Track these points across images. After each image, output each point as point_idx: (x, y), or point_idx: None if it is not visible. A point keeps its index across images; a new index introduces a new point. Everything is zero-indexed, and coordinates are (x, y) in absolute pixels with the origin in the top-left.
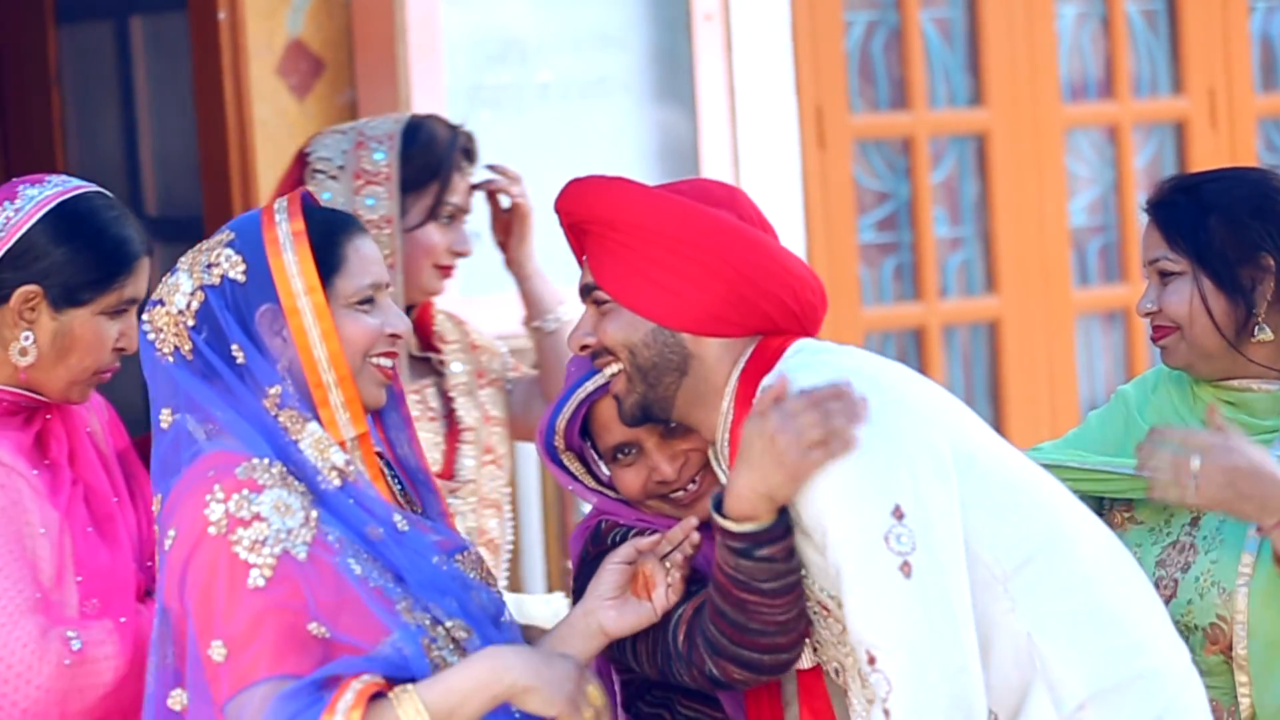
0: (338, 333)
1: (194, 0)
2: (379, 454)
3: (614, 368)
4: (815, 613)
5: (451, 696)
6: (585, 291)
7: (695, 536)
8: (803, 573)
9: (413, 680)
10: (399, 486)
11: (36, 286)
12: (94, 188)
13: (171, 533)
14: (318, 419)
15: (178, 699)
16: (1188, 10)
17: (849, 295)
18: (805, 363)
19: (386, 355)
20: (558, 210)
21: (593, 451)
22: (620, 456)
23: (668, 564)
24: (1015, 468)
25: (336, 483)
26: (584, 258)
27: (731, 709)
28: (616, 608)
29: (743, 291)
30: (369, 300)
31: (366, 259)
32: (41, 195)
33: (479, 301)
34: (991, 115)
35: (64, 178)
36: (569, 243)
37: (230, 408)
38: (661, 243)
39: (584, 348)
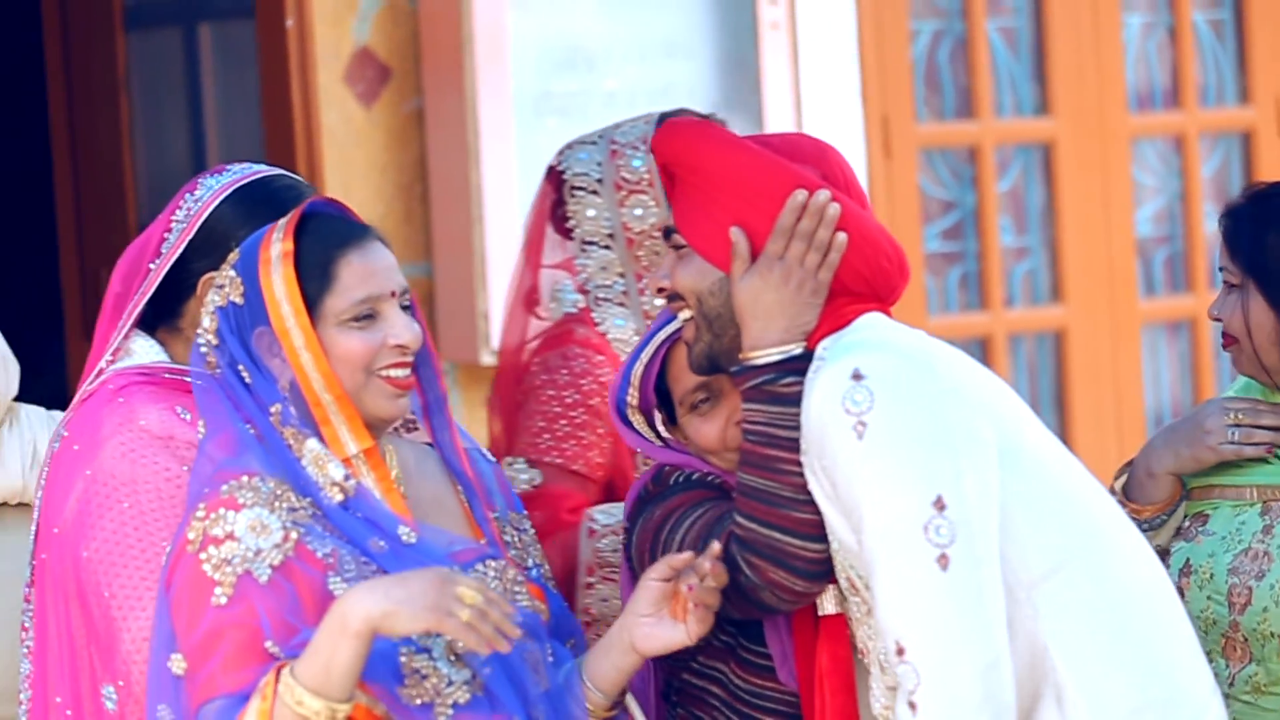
0: (326, 355)
1: (262, 7)
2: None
3: (686, 313)
4: (845, 589)
5: (318, 657)
6: (667, 234)
7: (715, 566)
8: (835, 545)
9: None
10: (463, 487)
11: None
12: (274, 170)
13: (169, 549)
14: (319, 435)
15: (165, 713)
16: (1255, 20)
17: (914, 304)
18: (864, 340)
19: (397, 366)
20: (653, 150)
21: (661, 414)
22: (698, 405)
23: (698, 589)
24: (1061, 473)
25: (338, 497)
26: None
27: (785, 674)
28: (650, 625)
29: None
30: (367, 315)
31: (363, 271)
32: (220, 183)
33: None
34: (1058, 124)
35: (245, 165)
36: (663, 183)
37: (245, 424)
38: (734, 191)
39: (660, 290)
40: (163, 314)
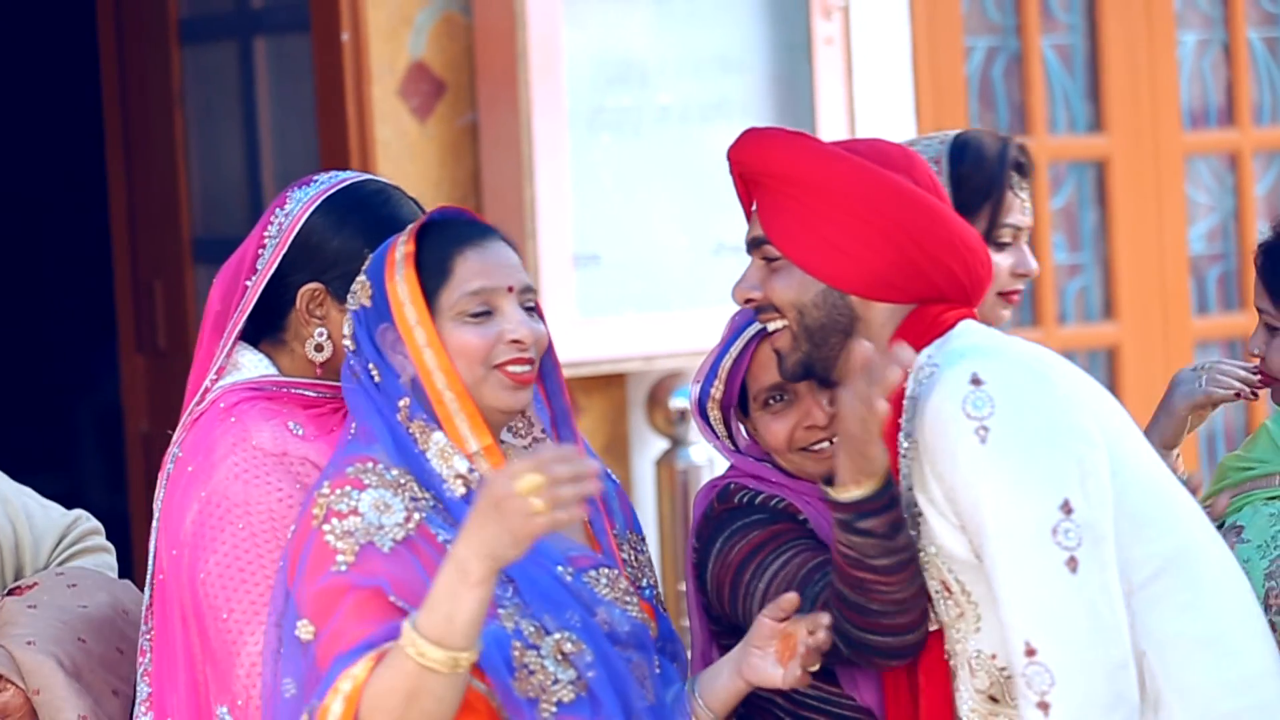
0: (446, 350)
1: (317, 21)
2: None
3: (778, 323)
4: (937, 591)
5: (439, 609)
6: (754, 244)
7: (817, 630)
8: (931, 550)
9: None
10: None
11: (318, 283)
12: (362, 176)
13: (293, 526)
14: (443, 431)
15: (290, 686)
16: None
17: None
18: (975, 346)
19: (515, 362)
20: (731, 159)
21: (739, 413)
22: (772, 402)
23: (802, 653)
24: (1160, 481)
25: (461, 490)
26: (753, 209)
27: (845, 682)
28: (758, 657)
29: (914, 257)
30: (483, 310)
31: (478, 267)
32: (309, 195)
33: (598, 323)
34: (1111, 142)
35: (332, 174)
36: (738, 193)
37: (375, 420)
38: (838, 202)
39: (748, 301)
40: (264, 328)
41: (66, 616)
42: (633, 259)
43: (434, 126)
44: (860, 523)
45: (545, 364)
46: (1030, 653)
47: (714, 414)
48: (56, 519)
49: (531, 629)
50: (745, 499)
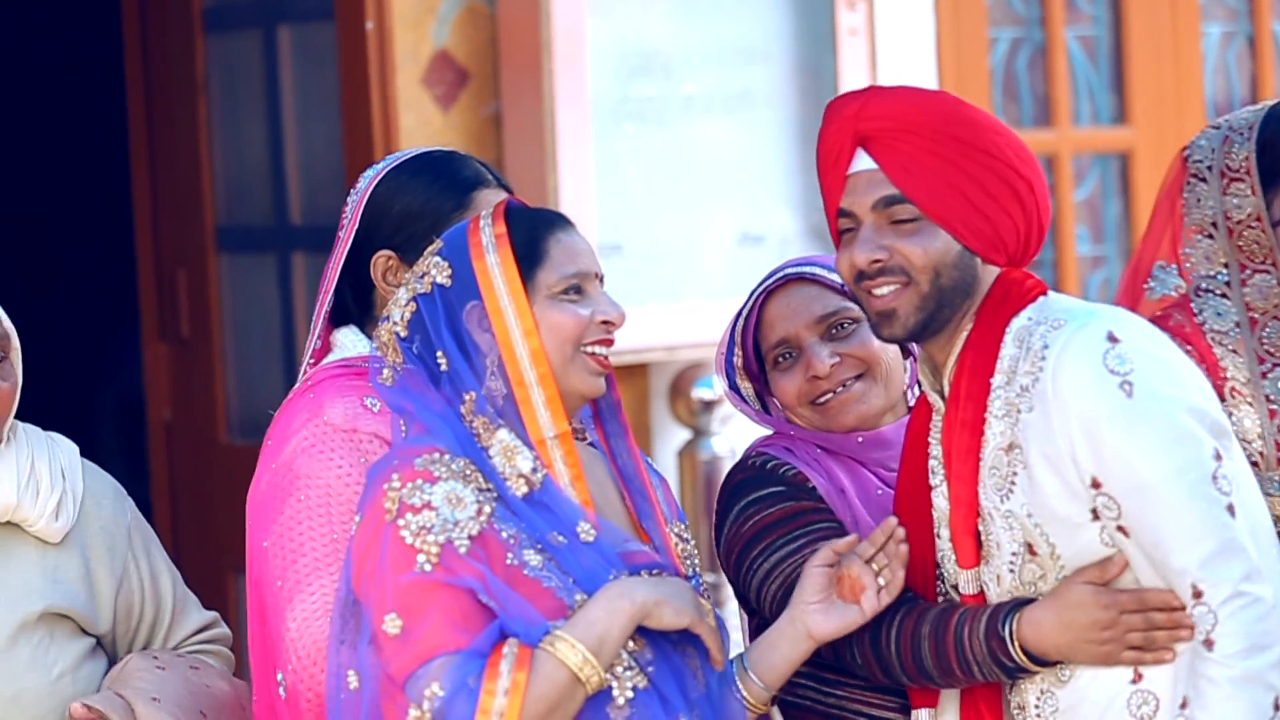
0: (539, 330)
1: (341, 10)
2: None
3: (889, 287)
4: (1015, 554)
5: (596, 628)
6: (887, 203)
7: (900, 533)
8: (1022, 509)
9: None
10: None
11: (389, 250)
12: (426, 148)
13: (357, 518)
14: (518, 417)
15: (353, 678)
16: None
17: None
18: (1094, 308)
19: (601, 343)
20: (849, 116)
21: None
22: (781, 360)
23: (876, 565)
24: (1237, 452)
25: (523, 490)
26: (849, 172)
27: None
28: (823, 611)
29: (1035, 222)
30: (576, 290)
31: (571, 250)
32: (374, 171)
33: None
34: (1135, 134)
35: (403, 151)
36: (836, 157)
37: (432, 413)
38: (986, 162)
39: (875, 261)
40: (362, 309)
41: (192, 687)
42: (656, 249)
43: (457, 116)
44: (1026, 667)
45: None
46: (1197, 595)
47: (744, 385)
48: (195, 607)
49: None
50: (758, 463)
